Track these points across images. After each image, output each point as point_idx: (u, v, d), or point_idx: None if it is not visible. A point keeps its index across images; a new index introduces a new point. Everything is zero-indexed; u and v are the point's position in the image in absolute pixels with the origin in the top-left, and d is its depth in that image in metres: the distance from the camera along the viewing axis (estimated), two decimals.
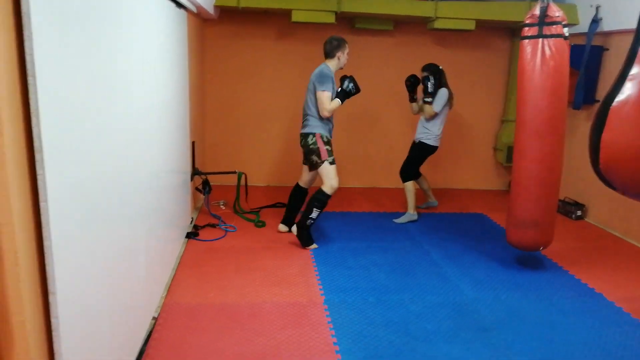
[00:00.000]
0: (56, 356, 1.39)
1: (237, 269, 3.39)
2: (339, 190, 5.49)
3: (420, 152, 4.59)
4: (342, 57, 3.73)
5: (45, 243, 1.31)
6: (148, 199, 2.53)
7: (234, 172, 4.67)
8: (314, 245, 3.82)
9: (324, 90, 3.59)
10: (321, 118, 3.69)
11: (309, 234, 3.81)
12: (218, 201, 4.87)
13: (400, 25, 5.50)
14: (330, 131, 3.80)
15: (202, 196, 4.62)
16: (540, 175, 3.31)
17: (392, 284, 3.25)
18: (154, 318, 2.66)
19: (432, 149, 4.54)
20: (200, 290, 3.04)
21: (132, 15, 2.15)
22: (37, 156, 1.26)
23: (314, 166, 3.78)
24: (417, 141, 4.59)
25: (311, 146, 3.71)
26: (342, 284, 3.22)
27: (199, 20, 4.86)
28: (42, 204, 1.28)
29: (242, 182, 4.69)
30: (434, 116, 4.39)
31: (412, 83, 4.57)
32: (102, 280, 1.78)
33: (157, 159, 2.77)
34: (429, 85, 4.31)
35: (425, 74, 4.43)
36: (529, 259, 3.77)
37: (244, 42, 5.38)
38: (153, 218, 2.67)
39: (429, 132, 4.48)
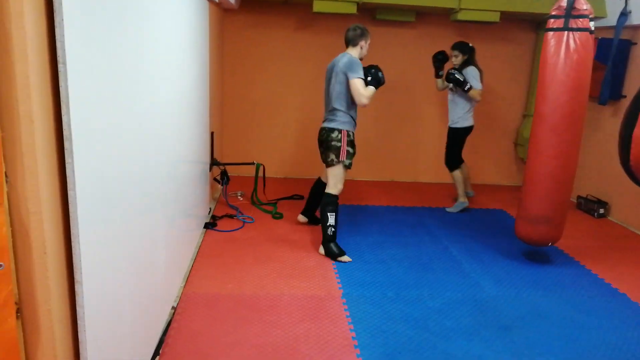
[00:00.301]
0: (81, 345, 1.39)
1: (255, 260, 3.38)
2: (358, 183, 5.49)
3: (455, 137, 4.57)
4: (364, 46, 3.53)
5: (73, 232, 1.31)
6: (169, 189, 2.53)
7: (252, 164, 4.66)
8: (347, 258, 3.46)
9: (358, 77, 3.32)
10: (350, 112, 3.46)
11: (336, 245, 3.49)
12: (235, 192, 4.88)
13: (423, 16, 5.41)
14: (355, 127, 3.57)
15: (219, 187, 4.62)
16: (554, 171, 3.27)
17: (410, 279, 3.22)
18: (173, 308, 2.67)
19: (466, 130, 4.52)
20: (218, 281, 3.05)
21: (158, 4, 2.13)
22: (66, 144, 1.25)
23: (327, 163, 3.52)
24: (450, 127, 4.60)
25: (334, 142, 3.44)
26: (360, 278, 3.19)
27: (220, 10, 4.84)
28: (70, 193, 1.28)
29: (260, 173, 4.68)
30: (480, 95, 4.39)
31: (440, 60, 4.55)
32: (125, 270, 1.78)
33: (178, 149, 2.76)
34: (458, 76, 4.28)
35: (456, 52, 4.41)
36: (551, 257, 3.70)
37: (263, 32, 5.35)
38: (173, 208, 2.67)
39: (459, 114, 4.46)
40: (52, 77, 1.22)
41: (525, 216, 3.43)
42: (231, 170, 4.72)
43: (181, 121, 2.84)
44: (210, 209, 4.33)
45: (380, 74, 3.53)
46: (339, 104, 3.45)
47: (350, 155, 3.49)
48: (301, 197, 4.90)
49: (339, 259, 3.44)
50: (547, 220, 3.34)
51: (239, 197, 4.80)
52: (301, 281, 3.11)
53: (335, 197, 3.49)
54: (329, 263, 3.40)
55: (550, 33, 3.14)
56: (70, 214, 1.29)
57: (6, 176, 1.13)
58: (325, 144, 3.52)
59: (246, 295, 2.89)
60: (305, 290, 2.98)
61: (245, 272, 3.18)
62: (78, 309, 1.37)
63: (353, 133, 3.53)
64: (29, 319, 1.23)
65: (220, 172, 4.49)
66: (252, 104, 5.52)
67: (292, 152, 5.69)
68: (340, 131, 3.46)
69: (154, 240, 2.24)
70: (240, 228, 4.01)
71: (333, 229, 3.47)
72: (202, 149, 3.76)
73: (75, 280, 1.34)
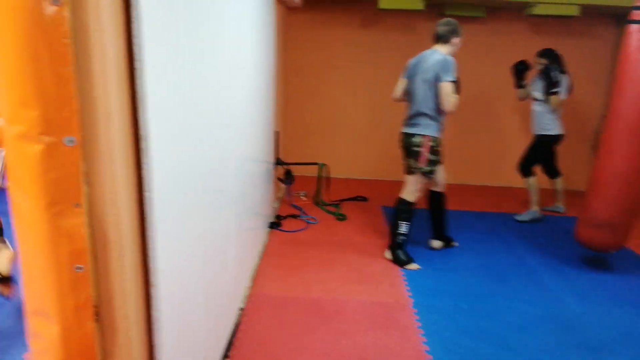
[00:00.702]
0: (155, 349, 1.36)
1: (321, 262, 3.31)
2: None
3: (542, 146, 4.26)
4: (457, 44, 3.17)
5: (148, 234, 1.27)
6: (237, 188, 2.50)
7: (316, 164, 4.60)
8: (415, 265, 3.27)
9: (450, 80, 3.00)
10: (437, 116, 3.11)
11: (405, 252, 3.31)
12: (298, 192, 4.83)
13: (494, 11, 5.14)
14: (441, 132, 3.21)
15: (282, 186, 4.60)
16: (625, 174, 3.01)
17: (485, 290, 3.01)
18: (240, 309, 2.64)
19: (555, 139, 4.20)
20: (284, 283, 3.00)
21: (229, 1, 2.09)
22: (143, 144, 1.21)
23: (407, 169, 3.27)
24: (537, 134, 4.26)
25: (414, 148, 3.16)
26: (430, 286, 3.03)
27: (284, 9, 4.82)
28: (146, 195, 1.24)
29: (324, 173, 4.61)
30: (559, 105, 4.07)
31: (520, 70, 4.26)
32: (198, 271, 1.75)
33: (246, 147, 2.73)
34: (554, 75, 3.98)
35: (543, 60, 4.12)
36: None
37: (327, 31, 5.28)
38: (242, 207, 2.64)
39: (547, 122, 4.14)
40: (128, 75, 1.18)
41: (588, 220, 3.21)
42: (294, 170, 4.68)
43: (248, 120, 2.81)
44: (274, 208, 4.31)
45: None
46: (425, 106, 3.11)
47: (432, 163, 3.18)
48: (364, 199, 4.79)
49: (407, 266, 3.27)
50: (610, 225, 3.11)
51: (302, 197, 4.76)
52: (368, 287, 2.99)
53: (411, 204, 3.28)
54: (396, 269, 3.26)
55: (634, 26, 2.86)
56: (147, 216, 1.26)
57: (86, 177, 1.10)
58: (407, 149, 3.25)
59: (312, 299, 2.82)
60: (372, 297, 2.87)
61: (310, 275, 3.11)
62: (153, 312, 1.33)
63: (438, 139, 3.17)
64: (106, 322, 1.20)
65: (284, 172, 4.46)
66: (315, 103, 5.47)
67: (355, 152, 5.59)
68: (422, 136, 3.14)
69: (225, 239, 2.22)
70: (304, 229, 3.95)
71: (404, 237, 3.29)
72: (267, 148, 3.74)
73: (150, 284, 1.30)
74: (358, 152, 5.57)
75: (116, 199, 1.16)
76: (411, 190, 3.28)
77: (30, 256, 1.11)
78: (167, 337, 1.40)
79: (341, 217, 4.24)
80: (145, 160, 1.22)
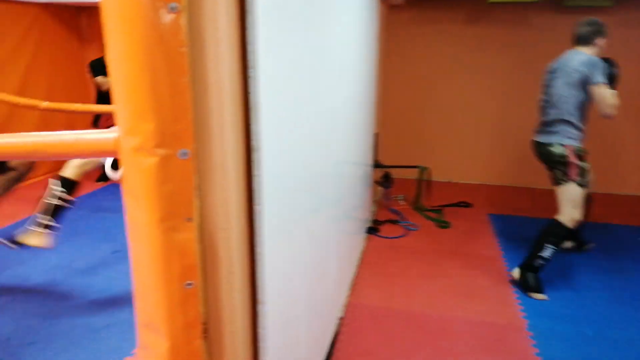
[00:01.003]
0: None
1: (422, 273, 3.13)
2: (538, 192, 4.79)
3: None
4: (602, 45, 2.82)
5: (257, 249, 1.21)
6: (338, 193, 2.42)
7: (417, 167, 4.40)
8: (542, 296, 2.84)
9: (605, 83, 2.66)
10: (577, 122, 2.79)
11: (537, 278, 2.88)
12: (397, 195, 4.67)
13: (623, 0, 4.56)
14: (581, 141, 2.85)
15: (380, 190, 4.46)
16: None
17: (615, 316, 2.65)
18: (339, 318, 2.56)
19: None
20: (384, 293, 2.87)
21: (338, 2, 2.01)
22: (254, 155, 1.16)
23: (555, 182, 2.89)
24: None
25: (558, 158, 2.82)
26: (547, 308, 2.73)
27: (385, 7, 4.67)
28: (256, 207, 1.18)
29: (425, 177, 4.40)
30: None
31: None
32: (301, 284, 1.68)
33: (347, 151, 2.65)
34: None
35: None
36: None
37: (430, 28, 5.04)
38: (342, 212, 2.56)
39: None
40: (241, 85, 1.13)
41: None
42: (392, 173, 4.53)
43: (349, 122, 2.72)
44: (372, 212, 4.19)
45: (615, 70, 2.82)
46: (566, 111, 2.79)
47: (584, 172, 2.81)
48: (468, 205, 4.50)
49: (533, 294, 2.85)
50: None
51: (401, 202, 4.58)
52: (476, 303, 2.77)
53: (565, 228, 2.82)
54: (507, 285, 2.99)
55: None
56: (256, 230, 1.20)
57: (198, 190, 1.06)
58: (547, 158, 2.91)
59: (414, 313, 2.66)
60: (481, 315, 2.64)
61: (412, 287, 2.95)
62: (259, 330, 1.28)
63: (581, 148, 2.83)
64: (214, 340, 1.16)
65: (382, 175, 4.33)
66: (416, 104, 5.25)
67: (458, 154, 5.29)
68: (563, 146, 2.80)
69: (326, 246, 2.14)
70: (404, 235, 3.79)
71: (543, 262, 2.85)
72: (366, 150, 3.63)
73: (257, 300, 1.25)
74: (462, 154, 5.27)
75: (227, 213, 1.12)
76: (568, 209, 2.82)
77: (142, 269, 1.10)
78: (271, 354, 1.35)
79: (444, 224, 4.01)
80: (256, 172, 1.17)
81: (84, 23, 5.87)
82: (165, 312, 1.08)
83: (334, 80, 2.02)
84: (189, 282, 1.08)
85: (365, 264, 3.27)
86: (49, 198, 2.74)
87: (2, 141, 1.30)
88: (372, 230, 3.84)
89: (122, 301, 2.77)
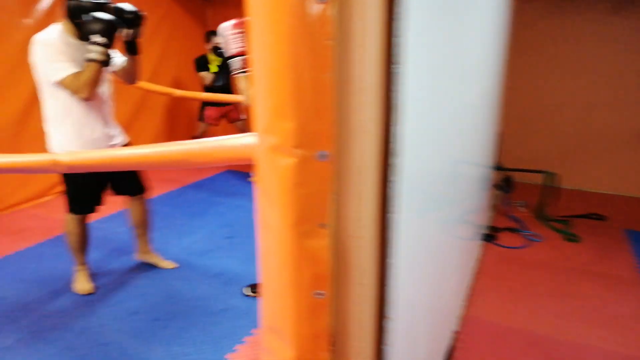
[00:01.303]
0: None
1: (549, 291, 2.83)
2: None
3: None
4: None
5: (389, 260, 1.11)
6: (460, 197, 2.24)
7: (544, 172, 4.01)
8: None
9: None
10: None
11: None
12: (517, 201, 4.31)
13: None
14: None
15: (498, 194, 4.14)
16: None
17: None
18: (454, 331, 2.39)
19: None
20: (504, 309, 2.63)
21: None
22: (392, 160, 1.06)
23: None
24: None
25: None
26: None
27: None
28: (390, 215, 1.08)
29: (551, 183, 4.00)
30: None
31: None
32: (424, 297, 1.56)
33: (473, 151, 2.45)
34: None
35: None
36: None
37: (567, 19, 4.54)
38: (461, 217, 2.38)
39: None
40: (384, 82, 1.03)
41: None
42: (513, 176, 4.18)
43: (478, 120, 2.52)
44: (489, 218, 3.90)
45: None
46: None
47: None
48: (601, 217, 4.01)
49: None
50: None
51: (521, 209, 4.22)
52: (613, 333, 2.43)
53: None
54: None
55: None
56: (389, 240, 1.10)
57: (333, 195, 0.99)
58: None
59: (539, 336, 2.40)
60: (621, 348, 2.31)
61: (536, 305, 2.68)
62: (383, 346, 1.19)
63: None
64: (340, 353, 1.10)
65: (503, 178, 4.01)
66: (545, 103, 4.79)
67: (591, 159, 4.74)
68: None
69: (447, 255, 1.99)
70: (525, 246, 3.47)
71: None
72: (489, 150, 3.37)
73: (385, 315, 1.15)
74: (596, 160, 4.71)
75: (360, 220, 1.03)
76: None
77: (272, 273, 1.05)
78: None
79: (572, 238, 3.60)
80: (393, 177, 1.07)
81: (209, 14, 6.19)
82: (293, 321, 1.03)
83: (469, 76, 1.86)
84: (319, 291, 1.02)
85: (482, 274, 3.04)
86: None
87: (150, 151, 1.35)
88: (489, 237, 3.57)
89: (235, 287, 2.85)
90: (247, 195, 4.53)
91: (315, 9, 0.86)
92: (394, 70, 1.01)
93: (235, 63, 2.13)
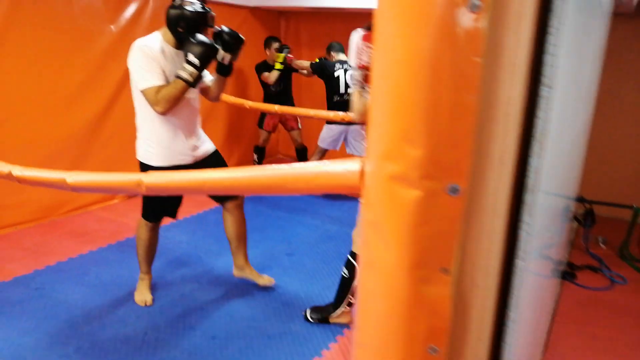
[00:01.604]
0: None
1: (639, 343, 2.54)
2: None
3: None
4: None
5: (510, 314, 0.95)
6: (557, 233, 2.03)
7: (631, 207, 3.68)
8: None
9: None
10: None
11: None
12: (597, 237, 3.97)
13: None
14: None
15: (576, 227, 3.83)
16: None
17: None
18: None
19: None
20: (589, 358, 2.37)
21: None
22: (527, 198, 0.90)
23: None
24: None
25: None
26: None
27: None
28: (519, 263, 0.93)
29: (637, 219, 3.66)
30: None
31: None
32: (526, 350, 1.38)
33: (566, 181, 2.23)
34: None
35: None
36: None
37: None
38: (551, 254, 2.16)
39: None
40: (526, 106, 0.88)
41: None
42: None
43: (576, 148, 2.30)
44: (567, 254, 3.60)
45: None
46: None
47: None
48: None
49: None
50: None
51: (602, 245, 3.88)
52: None
53: None
54: None
55: None
56: (513, 291, 0.94)
57: (462, 236, 0.84)
58: None
59: None
60: None
61: (624, 359, 2.39)
62: None
63: None
64: None
65: (584, 211, 3.70)
66: (634, 131, 4.43)
67: None
68: None
69: (540, 300, 1.79)
70: (608, 288, 3.16)
71: None
72: (575, 180, 3.10)
73: None
74: None
75: (488, 267, 0.88)
76: None
77: (377, 319, 0.92)
78: None
79: None
80: (524, 219, 0.91)
81: (283, 26, 6.22)
82: None
83: (582, 103, 1.67)
84: (433, 346, 0.87)
85: (561, 316, 2.77)
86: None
87: (239, 175, 1.25)
88: (568, 275, 3.28)
89: (294, 310, 2.73)
90: (309, 211, 4.43)
91: (466, 19, 0.72)
92: (543, 94, 0.86)
93: (357, 75, 2.03)
